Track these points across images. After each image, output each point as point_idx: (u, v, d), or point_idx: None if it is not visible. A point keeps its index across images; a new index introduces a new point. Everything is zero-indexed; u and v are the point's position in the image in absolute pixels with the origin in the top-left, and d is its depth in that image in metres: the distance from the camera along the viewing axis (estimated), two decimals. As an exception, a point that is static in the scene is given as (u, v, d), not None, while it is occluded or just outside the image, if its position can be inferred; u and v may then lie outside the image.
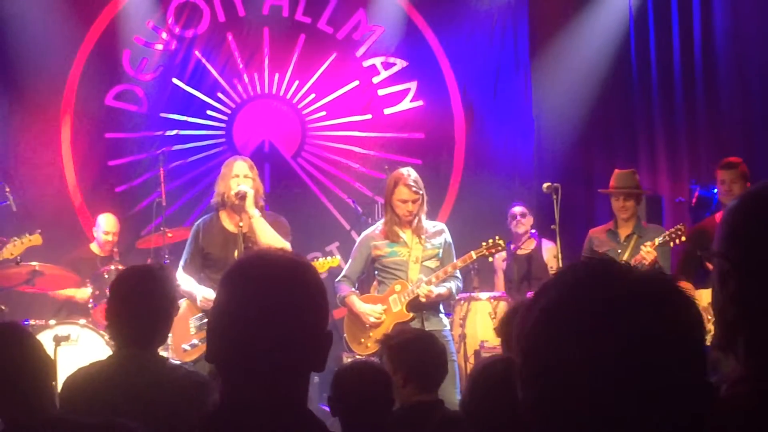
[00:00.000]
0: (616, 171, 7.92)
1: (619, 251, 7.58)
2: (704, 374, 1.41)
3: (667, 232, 7.43)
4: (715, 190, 8.96)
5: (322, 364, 2.03)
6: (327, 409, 9.00)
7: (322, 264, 7.47)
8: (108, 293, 3.88)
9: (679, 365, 1.37)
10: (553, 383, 1.38)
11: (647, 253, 7.31)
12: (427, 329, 6.51)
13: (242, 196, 7.00)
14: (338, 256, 7.72)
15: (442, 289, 6.96)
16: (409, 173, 7.05)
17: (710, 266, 7.85)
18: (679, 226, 7.44)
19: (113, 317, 3.75)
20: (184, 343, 7.05)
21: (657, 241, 7.37)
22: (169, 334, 7.16)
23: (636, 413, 1.33)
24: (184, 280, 7.08)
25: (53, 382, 3.16)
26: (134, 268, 4.02)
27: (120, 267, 8.23)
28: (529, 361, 1.42)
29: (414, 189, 6.95)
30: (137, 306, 3.69)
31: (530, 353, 1.42)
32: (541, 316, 1.42)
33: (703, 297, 7.37)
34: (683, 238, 7.40)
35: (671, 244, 7.43)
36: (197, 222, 7.41)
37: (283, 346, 1.94)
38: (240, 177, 7.15)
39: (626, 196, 7.75)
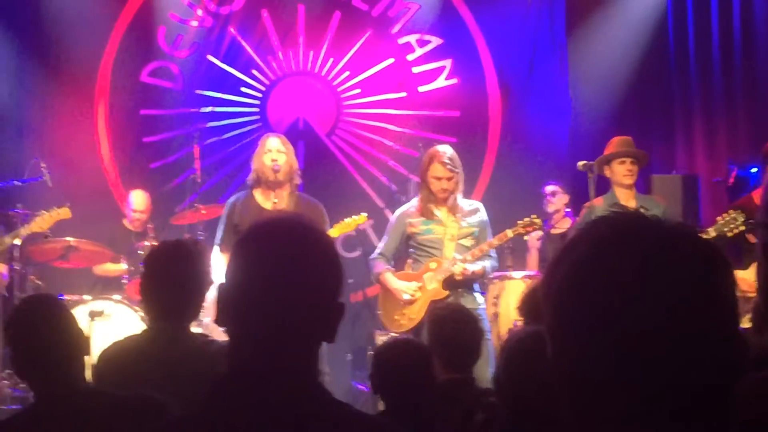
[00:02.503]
0: (615, 138, 7.71)
1: None
2: (737, 332, 1.36)
3: (722, 221, 7.06)
4: (754, 170, 8.85)
5: (332, 335, 1.99)
6: (360, 386, 9.02)
7: (349, 223, 7.45)
8: (142, 268, 3.89)
9: (714, 321, 1.32)
10: (585, 340, 1.33)
11: None
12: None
13: (277, 170, 7.04)
14: (364, 214, 7.67)
15: (477, 267, 6.94)
16: (445, 151, 7.03)
17: (751, 239, 7.66)
18: (734, 214, 7.05)
19: (147, 292, 3.75)
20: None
21: (711, 231, 7.04)
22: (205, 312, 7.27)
23: (670, 373, 1.29)
24: (219, 264, 7.12)
25: (86, 356, 3.17)
26: (167, 243, 4.02)
27: (155, 243, 8.25)
28: (560, 318, 1.38)
29: (449, 167, 6.92)
30: (170, 280, 3.68)
31: (561, 309, 1.38)
32: (571, 271, 1.37)
33: (744, 275, 7.20)
34: (742, 228, 7.05)
35: (729, 234, 7.10)
36: (230, 199, 7.45)
37: (290, 314, 1.91)
38: (273, 152, 7.20)
39: (633, 160, 7.54)
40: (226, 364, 1.98)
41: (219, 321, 2.00)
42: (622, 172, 7.46)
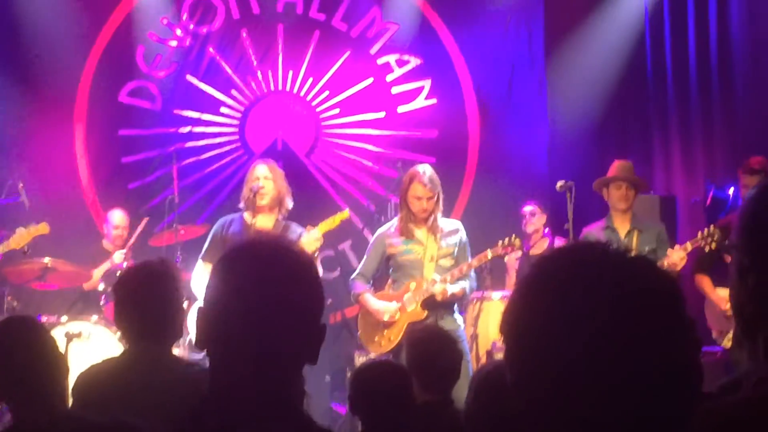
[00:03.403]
0: (616, 162, 7.87)
1: None
2: (689, 362, 1.38)
3: (700, 235, 7.24)
4: (731, 190, 8.90)
5: (313, 357, 1.99)
6: (338, 407, 8.98)
7: (333, 219, 7.45)
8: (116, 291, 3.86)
9: (663, 352, 1.34)
10: (535, 372, 1.37)
11: (681, 260, 7.19)
12: (440, 328, 6.48)
13: (256, 192, 7.14)
14: (347, 210, 7.69)
15: (456, 288, 6.94)
16: (425, 171, 7.04)
17: (728, 260, 7.77)
18: (712, 230, 7.23)
19: (120, 317, 3.74)
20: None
21: (689, 245, 7.24)
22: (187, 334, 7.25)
23: (620, 401, 1.32)
24: (199, 278, 7.15)
25: (65, 379, 3.14)
26: (133, 267, 4.00)
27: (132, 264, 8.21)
28: (514, 349, 1.42)
29: (429, 186, 6.93)
30: (141, 304, 3.66)
31: (515, 339, 1.42)
32: (524, 304, 1.41)
33: (725, 295, 7.30)
34: (719, 242, 7.20)
35: (706, 249, 7.26)
36: (223, 218, 7.58)
37: (272, 336, 1.90)
38: (260, 179, 7.33)
39: (629, 185, 7.68)
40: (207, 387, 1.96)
41: (198, 344, 1.99)
42: (617, 196, 7.69)
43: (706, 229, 7.26)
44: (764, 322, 1.73)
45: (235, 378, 1.91)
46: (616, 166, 7.79)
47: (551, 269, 1.42)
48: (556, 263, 1.42)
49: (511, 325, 1.43)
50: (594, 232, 7.77)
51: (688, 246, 7.23)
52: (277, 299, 1.91)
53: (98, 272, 8.75)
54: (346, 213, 7.63)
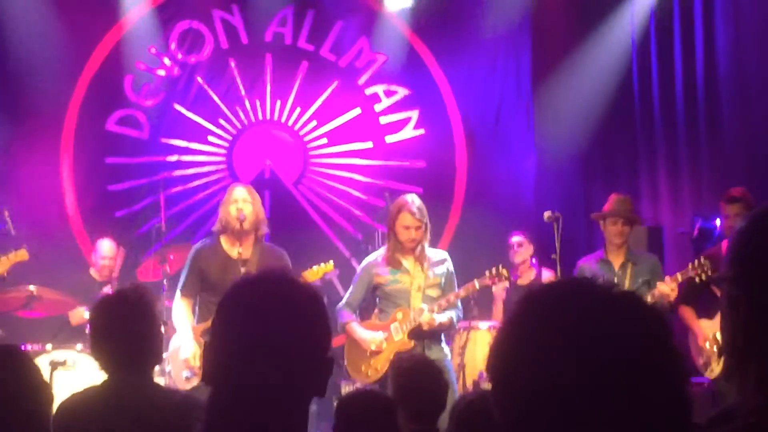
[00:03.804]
0: (614, 196, 7.91)
1: (616, 281, 7.50)
2: (679, 392, 1.39)
3: (691, 266, 7.28)
4: (717, 222, 8.93)
5: (323, 390, 1.99)
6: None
7: (316, 271, 7.45)
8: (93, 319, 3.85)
9: (654, 384, 1.36)
10: (523, 406, 1.38)
11: (672, 290, 7.22)
12: (427, 358, 6.47)
13: (242, 219, 7.05)
14: (331, 261, 7.67)
15: (444, 318, 6.93)
16: (413, 200, 7.04)
17: (717, 292, 7.80)
18: (703, 261, 7.27)
19: (96, 347, 3.73)
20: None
21: (679, 276, 7.27)
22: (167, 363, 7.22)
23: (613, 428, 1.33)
24: (179, 311, 7.10)
25: (49, 408, 3.12)
26: (106, 297, 3.97)
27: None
28: (501, 382, 1.43)
29: (417, 216, 6.93)
30: (117, 333, 3.65)
31: (501, 374, 1.43)
32: (511, 339, 1.43)
33: (707, 327, 7.34)
34: (710, 274, 7.25)
35: (696, 280, 7.30)
36: (196, 245, 7.42)
37: (282, 370, 1.90)
38: (239, 201, 7.19)
39: (625, 221, 7.73)
40: (203, 418, 1.96)
41: (207, 380, 1.98)
42: (613, 231, 7.74)
43: (696, 260, 7.28)
44: (755, 353, 1.72)
45: (244, 413, 1.91)
46: (613, 201, 7.83)
47: (538, 307, 1.43)
48: (542, 301, 1.44)
49: (499, 363, 1.45)
50: (589, 264, 7.80)
51: (679, 277, 7.26)
52: (285, 335, 1.91)
53: (84, 312, 8.70)
54: (330, 266, 7.61)
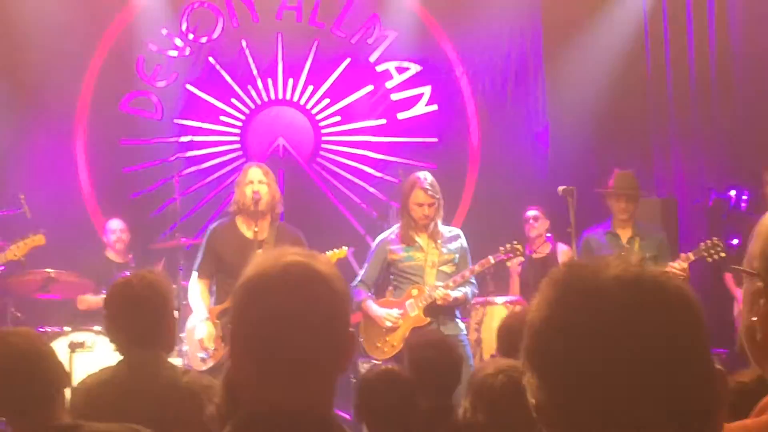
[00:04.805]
0: (617, 171, 7.87)
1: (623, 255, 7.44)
2: (710, 366, 1.41)
3: (704, 246, 7.26)
4: (732, 193, 8.91)
5: (346, 365, 2.03)
6: (342, 414, 8.97)
7: (330, 256, 7.42)
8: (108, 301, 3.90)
9: (685, 361, 1.38)
10: (564, 387, 1.40)
11: (682, 270, 7.18)
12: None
13: (257, 201, 7.03)
14: (345, 248, 7.65)
15: (458, 293, 6.96)
16: (426, 177, 7.05)
17: (726, 280, 7.82)
18: (716, 241, 7.25)
19: (111, 328, 3.78)
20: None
21: (691, 255, 7.24)
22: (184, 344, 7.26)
23: (646, 409, 1.35)
24: (195, 292, 7.10)
25: (65, 390, 3.15)
26: (122, 279, 4.01)
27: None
28: (541, 369, 1.44)
29: (430, 193, 6.94)
30: (132, 313, 3.71)
31: (540, 362, 1.44)
32: (546, 326, 1.44)
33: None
34: (722, 255, 7.23)
35: (709, 260, 7.29)
36: (212, 226, 7.43)
37: (308, 350, 1.93)
38: (255, 183, 7.16)
39: (629, 198, 7.69)
40: (219, 395, 1.98)
41: (236, 366, 2.01)
42: (616, 208, 7.77)
43: (709, 240, 7.27)
44: None
45: (274, 396, 1.94)
46: (616, 177, 7.79)
47: (570, 293, 1.44)
48: (575, 286, 1.45)
49: (535, 346, 1.46)
50: (596, 236, 7.77)
51: (691, 256, 7.23)
52: (309, 314, 1.93)
53: (92, 298, 8.77)
54: (343, 251, 7.58)
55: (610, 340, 1.36)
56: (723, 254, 7.21)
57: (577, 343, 1.38)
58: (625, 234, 7.69)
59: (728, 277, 8.30)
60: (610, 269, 1.42)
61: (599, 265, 1.44)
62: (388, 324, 7.01)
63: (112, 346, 3.78)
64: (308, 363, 1.93)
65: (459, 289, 6.98)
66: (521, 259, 8.47)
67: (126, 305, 3.76)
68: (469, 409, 3.34)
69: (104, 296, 8.22)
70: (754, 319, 1.71)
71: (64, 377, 3.14)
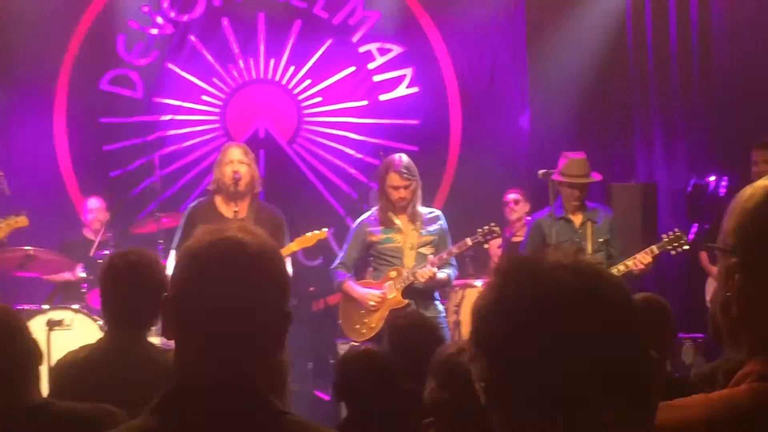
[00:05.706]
0: (570, 157, 7.62)
1: (577, 240, 7.40)
2: (645, 355, 1.52)
3: (667, 239, 7.26)
4: (712, 178, 8.95)
5: (280, 345, 2.02)
6: (321, 395, 8.99)
7: (310, 237, 7.40)
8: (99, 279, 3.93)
9: (622, 348, 1.48)
10: (511, 366, 1.48)
11: (646, 265, 7.13)
12: (422, 316, 6.50)
13: (237, 180, 7.01)
14: (325, 229, 7.60)
15: (442, 275, 6.97)
16: (401, 159, 7.04)
17: (702, 258, 7.85)
18: (678, 233, 7.25)
19: (102, 307, 3.80)
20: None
21: (655, 249, 7.22)
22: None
23: (585, 384, 1.45)
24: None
25: (38, 367, 3.12)
26: (121, 253, 4.03)
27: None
28: (489, 351, 1.52)
29: (405, 175, 6.93)
30: (126, 290, 3.73)
31: (487, 349, 1.52)
32: (504, 321, 1.51)
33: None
34: (686, 247, 7.24)
35: (673, 252, 7.30)
36: (191, 204, 7.42)
37: (239, 324, 1.93)
38: (235, 163, 7.14)
39: (582, 184, 7.58)
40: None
41: (166, 333, 2.01)
42: (568, 196, 7.54)
43: (671, 232, 7.26)
44: (748, 322, 1.74)
45: (200, 369, 1.95)
46: (569, 164, 7.54)
47: (512, 281, 1.53)
48: (518, 274, 1.53)
49: (480, 327, 1.54)
50: (546, 220, 7.62)
51: (655, 249, 7.21)
52: (241, 286, 1.94)
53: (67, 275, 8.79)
54: (323, 232, 7.51)
55: (553, 320, 1.45)
56: (687, 246, 7.22)
57: (523, 323, 1.46)
58: (577, 219, 7.56)
59: (703, 256, 8.33)
60: (550, 257, 1.52)
61: (541, 254, 1.54)
62: (372, 304, 7.01)
63: (95, 324, 3.82)
64: (239, 336, 1.93)
65: (442, 270, 6.99)
66: (500, 241, 8.49)
67: (113, 284, 3.79)
68: (436, 389, 3.37)
69: (82, 273, 8.26)
70: (729, 294, 1.73)
71: (37, 355, 3.11)
